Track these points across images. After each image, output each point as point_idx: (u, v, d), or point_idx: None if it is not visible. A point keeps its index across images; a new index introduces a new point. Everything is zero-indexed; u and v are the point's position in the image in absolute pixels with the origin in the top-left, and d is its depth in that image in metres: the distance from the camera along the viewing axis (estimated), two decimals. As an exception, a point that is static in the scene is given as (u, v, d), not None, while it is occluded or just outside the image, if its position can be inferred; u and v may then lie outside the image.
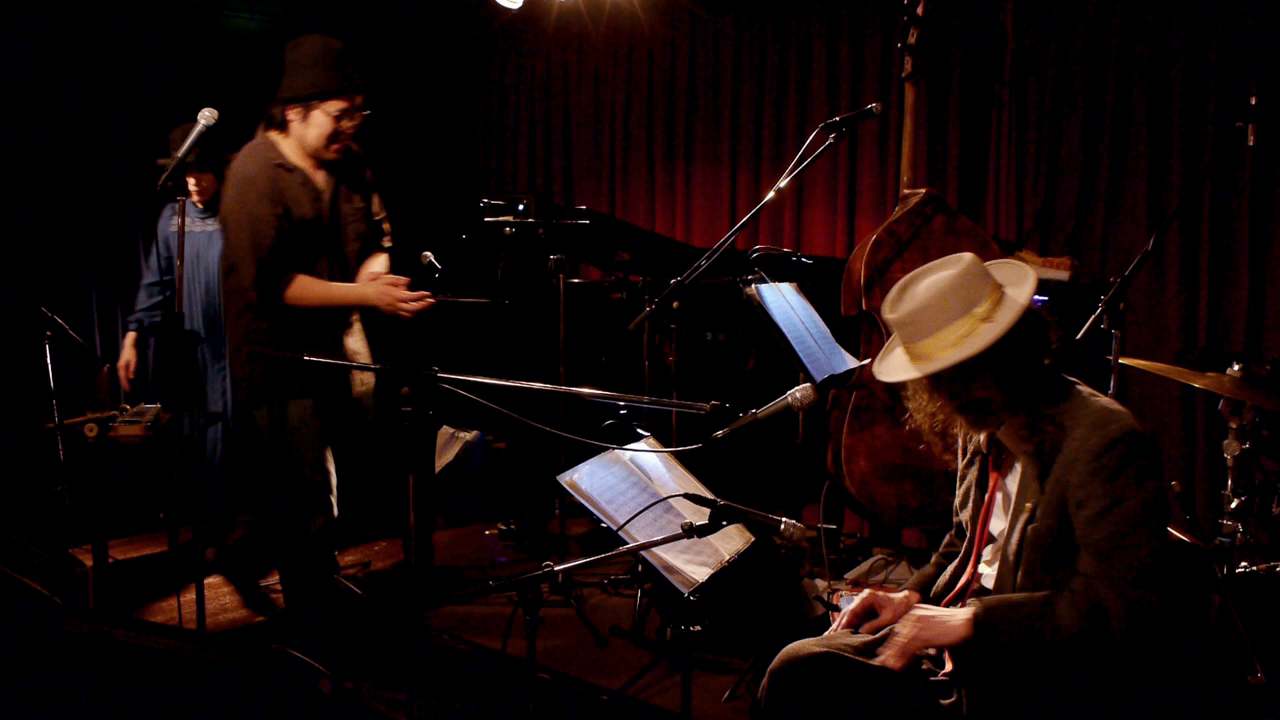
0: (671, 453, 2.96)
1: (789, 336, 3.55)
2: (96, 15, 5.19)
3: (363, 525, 4.73)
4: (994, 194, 4.69)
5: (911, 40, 4.10)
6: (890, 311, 2.09)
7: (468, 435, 5.32)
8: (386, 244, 3.58)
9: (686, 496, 2.37)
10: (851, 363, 3.82)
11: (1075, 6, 4.41)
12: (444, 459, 5.26)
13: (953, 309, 2.01)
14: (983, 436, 2.18)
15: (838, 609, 2.33)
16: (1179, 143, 4.16)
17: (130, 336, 4.58)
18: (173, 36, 5.40)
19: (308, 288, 3.26)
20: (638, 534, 2.53)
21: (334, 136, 3.25)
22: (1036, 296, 2.10)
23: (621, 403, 3.57)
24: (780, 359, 3.64)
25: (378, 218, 3.54)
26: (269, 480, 3.60)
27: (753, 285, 3.64)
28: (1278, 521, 3.16)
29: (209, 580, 4.17)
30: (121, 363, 4.54)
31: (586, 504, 2.62)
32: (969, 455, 2.26)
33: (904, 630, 2.06)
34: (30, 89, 5.02)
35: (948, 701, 2.06)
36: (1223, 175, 4.04)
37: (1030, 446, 2.06)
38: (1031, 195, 4.57)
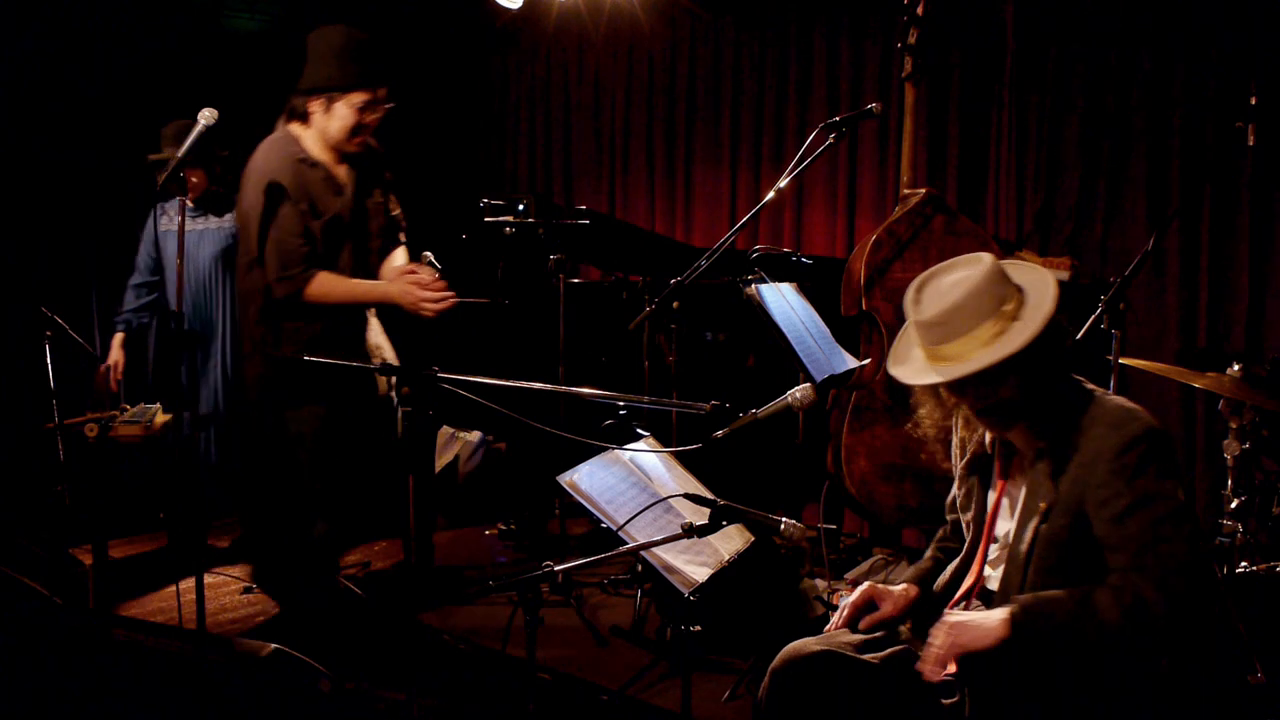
0: (671, 453, 2.95)
1: (789, 336, 3.55)
2: (96, 15, 5.19)
3: (363, 525, 4.73)
4: (994, 194, 4.69)
5: (911, 40, 4.09)
6: (916, 313, 2.04)
7: (470, 436, 5.32)
8: (402, 239, 3.56)
9: (686, 496, 2.37)
10: (851, 363, 3.82)
11: (1075, 6, 4.41)
12: (444, 459, 5.25)
13: (985, 309, 1.98)
14: (988, 437, 2.17)
15: (838, 609, 2.33)
16: (1179, 143, 4.16)
17: (119, 337, 4.50)
18: (173, 36, 5.40)
19: (330, 285, 3.21)
20: (638, 534, 2.53)
21: (357, 129, 3.22)
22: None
23: (621, 403, 3.56)
24: (780, 359, 3.64)
25: (394, 214, 3.52)
26: (268, 483, 3.59)
27: (753, 285, 3.64)
28: (1278, 521, 3.16)
29: (209, 580, 4.16)
30: (110, 362, 4.45)
31: (586, 504, 2.61)
32: (969, 456, 2.24)
33: (939, 638, 2.01)
34: (30, 89, 5.01)
35: (949, 701, 2.06)
36: (1223, 175, 4.04)
37: (1044, 446, 2.05)
38: (1031, 195, 4.57)
